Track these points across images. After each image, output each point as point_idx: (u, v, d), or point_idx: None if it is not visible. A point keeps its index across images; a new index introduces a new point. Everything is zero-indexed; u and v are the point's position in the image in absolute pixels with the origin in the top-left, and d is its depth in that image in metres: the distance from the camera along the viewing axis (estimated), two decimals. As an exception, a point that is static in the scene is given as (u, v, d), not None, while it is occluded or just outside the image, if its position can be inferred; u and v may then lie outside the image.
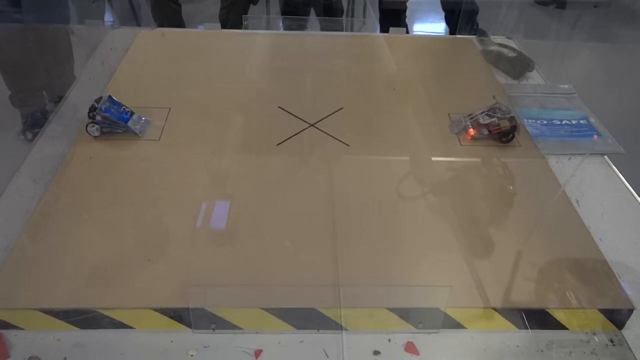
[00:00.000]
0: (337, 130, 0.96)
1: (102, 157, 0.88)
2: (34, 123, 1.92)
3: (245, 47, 1.26)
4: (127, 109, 0.94)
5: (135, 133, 0.93)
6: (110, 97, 0.94)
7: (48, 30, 1.89)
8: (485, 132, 0.95)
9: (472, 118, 0.97)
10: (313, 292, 0.67)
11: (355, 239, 0.75)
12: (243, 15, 1.43)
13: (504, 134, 0.95)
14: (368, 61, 1.23)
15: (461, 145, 0.95)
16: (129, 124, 0.92)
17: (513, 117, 0.95)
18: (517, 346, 0.65)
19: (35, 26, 1.83)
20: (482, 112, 0.97)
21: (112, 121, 0.92)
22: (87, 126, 0.91)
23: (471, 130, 0.96)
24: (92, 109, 0.92)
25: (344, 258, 0.72)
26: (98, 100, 0.93)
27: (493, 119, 0.95)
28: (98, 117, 0.91)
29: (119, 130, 0.92)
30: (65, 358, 0.61)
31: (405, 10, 2.39)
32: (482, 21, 2.06)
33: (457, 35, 1.41)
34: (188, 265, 0.70)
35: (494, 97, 1.00)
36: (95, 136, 0.92)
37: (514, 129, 0.94)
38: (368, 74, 1.17)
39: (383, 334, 0.65)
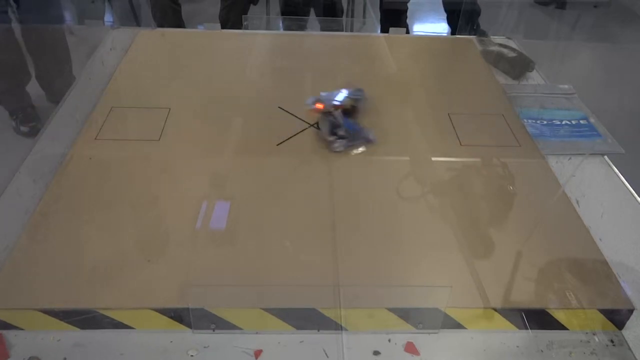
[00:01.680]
0: (337, 130, 0.96)
1: (102, 157, 0.88)
2: (26, 117, 1.92)
3: (245, 47, 1.25)
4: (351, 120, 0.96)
5: (372, 141, 0.94)
6: (341, 112, 0.96)
7: (41, 30, 1.89)
8: (332, 108, 0.97)
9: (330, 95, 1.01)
10: (313, 292, 0.67)
11: (355, 239, 0.75)
12: (243, 16, 1.43)
13: (346, 111, 0.98)
14: (368, 61, 1.23)
15: (461, 145, 0.95)
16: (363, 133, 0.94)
17: (359, 98, 1.00)
18: (517, 346, 0.65)
19: (27, 26, 1.84)
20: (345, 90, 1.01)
21: (354, 134, 0.93)
22: (331, 144, 0.92)
23: (320, 105, 0.98)
24: (334, 125, 0.93)
25: (344, 258, 0.72)
26: (328, 114, 0.95)
27: (341, 98, 0.99)
28: (341, 132, 0.92)
29: (358, 142, 0.93)
30: (65, 358, 0.61)
31: (406, 11, 2.39)
32: (482, 21, 2.06)
33: (457, 36, 1.41)
34: (188, 265, 0.70)
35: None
36: (339, 151, 0.92)
37: (353, 108, 0.99)
38: (368, 74, 1.17)
39: (383, 334, 0.65)
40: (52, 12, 1.92)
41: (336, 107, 0.97)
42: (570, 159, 0.95)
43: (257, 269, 0.70)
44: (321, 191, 0.83)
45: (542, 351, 0.65)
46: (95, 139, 0.92)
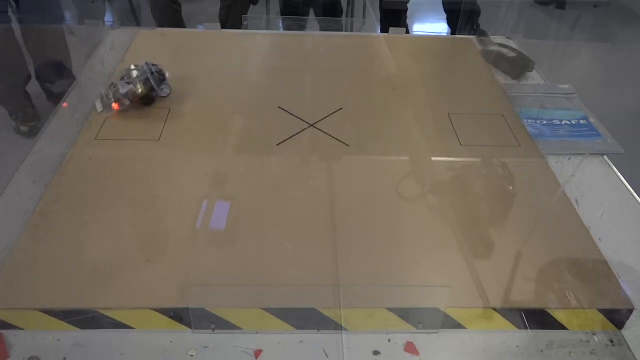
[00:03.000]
0: (337, 130, 0.96)
1: (102, 157, 0.88)
2: (26, 117, 1.93)
3: (245, 47, 1.26)
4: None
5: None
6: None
7: (41, 30, 1.90)
8: (127, 102, 0.94)
9: (113, 88, 0.93)
10: (313, 292, 0.67)
11: (355, 239, 0.75)
12: (243, 15, 1.43)
13: (144, 100, 0.94)
14: (368, 61, 1.23)
15: (461, 145, 0.95)
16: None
17: (148, 79, 0.93)
18: (517, 346, 0.65)
19: (27, 26, 1.84)
20: (122, 79, 0.94)
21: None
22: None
23: (115, 105, 0.94)
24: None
25: (344, 258, 0.72)
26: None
27: (130, 86, 0.91)
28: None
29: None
30: (65, 358, 0.61)
31: (406, 11, 2.39)
32: (482, 21, 2.06)
33: (457, 36, 1.41)
34: (188, 265, 0.70)
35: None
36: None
37: (152, 91, 0.94)
38: (368, 74, 1.17)
39: (383, 334, 0.65)
40: (52, 12, 1.93)
41: (134, 99, 0.95)
42: (570, 159, 0.95)
43: (257, 269, 0.70)
44: (321, 191, 0.83)
45: (542, 351, 0.65)
46: (95, 139, 0.92)
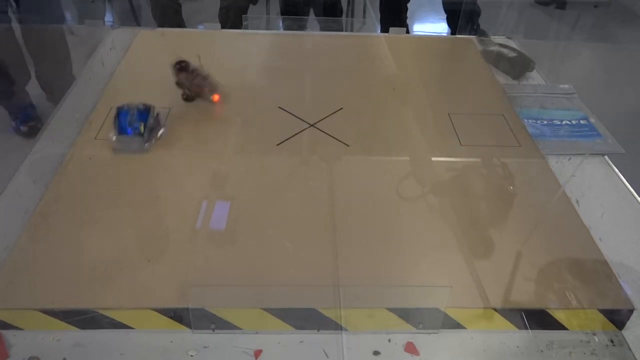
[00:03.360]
0: (337, 130, 0.96)
1: (102, 157, 0.88)
2: (26, 117, 1.93)
3: (245, 47, 1.25)
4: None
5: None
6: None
7: (41, 30, 1.90)
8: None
9: (199, 79, 0.99)
10: (313, 292, 0.67)
11: (355, 239, 0.75)
12: (243, 15, 1.43)
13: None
14: (368, 61, 1.23)
15: (461, 145, 0.95)
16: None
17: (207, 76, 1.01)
18: (517, 346, 0.65)
19: (27, 26, 1.84)
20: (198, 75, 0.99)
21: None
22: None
23: (216, 96, 1.01)
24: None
25: (344, 258, 0.72)
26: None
27: (206, 80, 1.00)
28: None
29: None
30: (65, 358, 0.61)
31: (406, 11, 2.39)
32: (482, 21, 2.06)
33: (457, 35, 1.41)
34: (188, 265, 0.70)
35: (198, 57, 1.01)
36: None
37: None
38: (368, 74, 1.17)
39: (383, 334, 0.65)
40: (52, 12, 1.93)
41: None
42: (570, 159, 0.95)
43: (257, 269, 0.70)
44: (321, 191, 0.83)
45: (542, 351, 0.65)
46: (95, 138, 0.92)
